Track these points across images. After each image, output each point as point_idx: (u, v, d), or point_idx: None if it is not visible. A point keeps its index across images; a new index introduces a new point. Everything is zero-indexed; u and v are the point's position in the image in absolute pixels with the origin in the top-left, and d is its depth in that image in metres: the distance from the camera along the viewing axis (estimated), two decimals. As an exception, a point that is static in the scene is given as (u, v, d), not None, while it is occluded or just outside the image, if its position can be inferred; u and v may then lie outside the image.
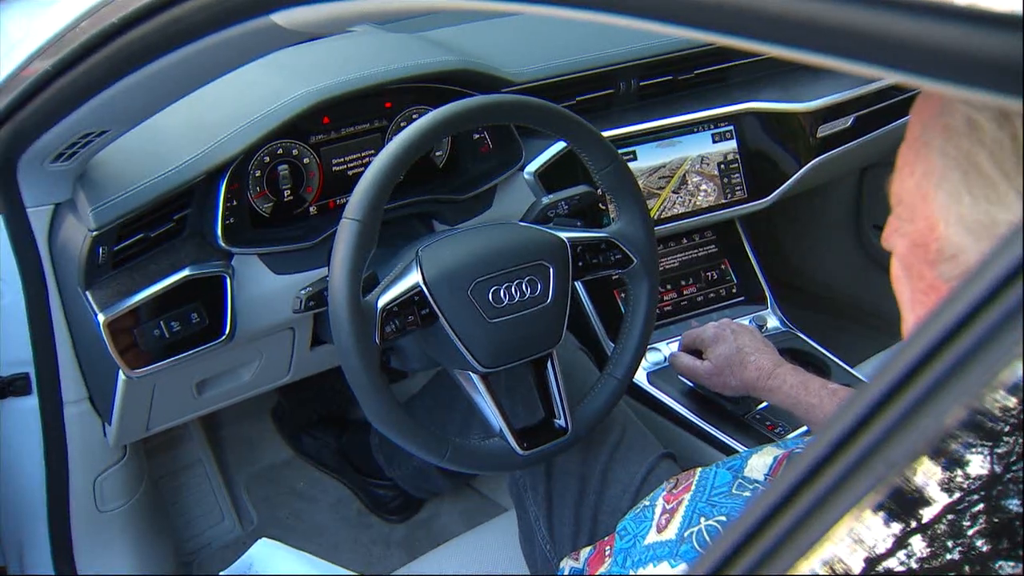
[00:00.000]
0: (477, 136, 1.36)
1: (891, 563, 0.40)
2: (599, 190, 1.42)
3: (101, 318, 1.06)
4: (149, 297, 1.09)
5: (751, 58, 1.61)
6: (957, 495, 0.39)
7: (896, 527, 0.40)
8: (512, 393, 1.19)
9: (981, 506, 0.39)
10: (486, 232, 1.10)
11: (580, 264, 1.12)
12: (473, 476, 1.73)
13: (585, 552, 1.00)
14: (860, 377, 1.43)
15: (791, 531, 0.42)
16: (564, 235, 1.11)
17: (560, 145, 1.40)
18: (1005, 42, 0.35)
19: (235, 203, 1.18)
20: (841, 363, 1.48)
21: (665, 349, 1.48)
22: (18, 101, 0.91)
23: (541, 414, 1.11)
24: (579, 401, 1.13)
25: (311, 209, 1.29)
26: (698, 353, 1.33)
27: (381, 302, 0.99)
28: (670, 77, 1.55)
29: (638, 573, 0.80)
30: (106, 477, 1.41)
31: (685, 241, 1.62)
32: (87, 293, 1.08)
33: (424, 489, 1.74)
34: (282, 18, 0.64)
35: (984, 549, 0.39)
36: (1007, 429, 0.38)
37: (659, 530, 0.83)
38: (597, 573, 0.94)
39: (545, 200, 1.25)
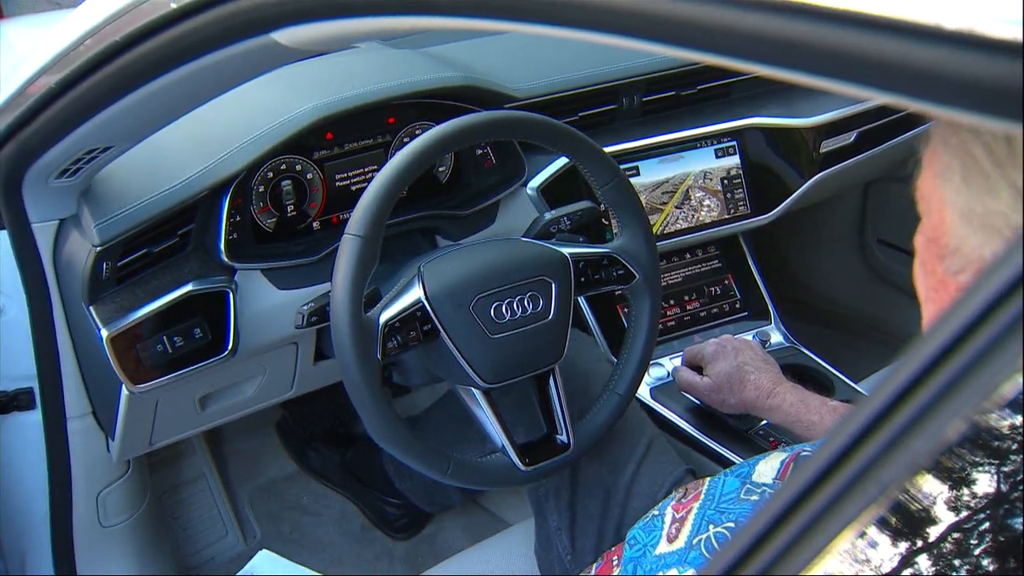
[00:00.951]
0: (480, 152, 1.37)
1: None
2: (601, 206, 1.43)
3: (104, 333, 1.07)
4: (152, 312, 1.09)
5: (753, 74, 1.61)
6: (964, 513, 0.39)
7: (901, 545, 0.40)
8: (514, 408, 1.19)
9: (987, 524, 0.39)
10: (488, 248, 1.10)
11: (582, 280, 1.12)
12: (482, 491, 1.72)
13: (592, 568, 0.99)
14: (864, 392, 1.42)
15: (791, 544, 0.42)
16: (566, 251, 1.11)
17: (563, 161, 1.40)
18: (1005, 68, 0.35)
19: (238, 218, 1.18)
20: (845, 379, 1.48)
21: (668, 364, 1.48)
22: (23, 118, 0.92)
23: (543, 429, 1.11)
24: (581, 417, 1.12)
25: (314, 224, 1.29)
26: (700, 369, 1.33)
27: (383, 318, 0.99)
28: (673, 92, 1.56)
29: None
30: (109, 492, 1.41)
31: (688, 256, 1.62)
32: (91, 308, 1.09)
33: (435, 502, 1.74)
34: (283, 36, 0.64)
35: (990, 568, 0.39)
36: (1013, 446, 0.37)
37: (670, 540, 0.83)
38: None
39: (547, 216, 1.26)
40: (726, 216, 1.55)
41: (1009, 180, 0.47)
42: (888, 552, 0.40)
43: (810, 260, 2.20)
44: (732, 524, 0.78)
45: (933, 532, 0.40)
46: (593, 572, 0.98)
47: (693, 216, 1.52)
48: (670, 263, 1.60)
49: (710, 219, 1.54)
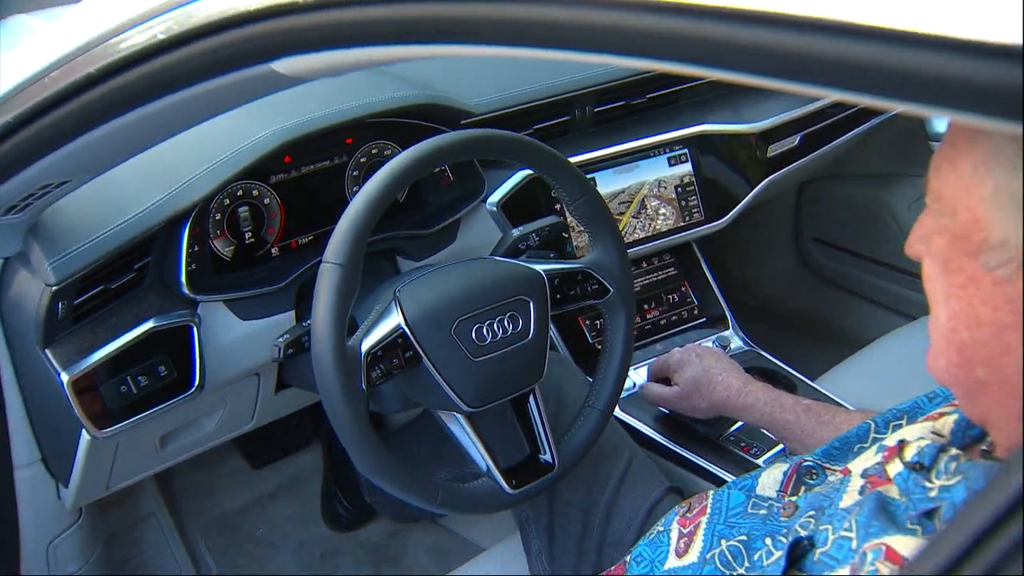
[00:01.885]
0: (438, 169, 1.34)
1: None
2: (568, 220, 1.42)
3: (65, 377, 1.01)
4: (114, 352, 1.04)
5: (701, 80, 1.63)
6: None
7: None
8: (492, 430, 1.17)
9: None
10: (463, 268, 1.08)
11: (558, 296, 1.10)
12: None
13: None
14: (823, 391, 1.45)
15: None
16: (540, 268, 1.10)
17: (521, 175, 1.39)
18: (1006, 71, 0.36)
19: (196, 248, 1.14)
20: (803, 378, 1.50)
21: (633, 375, 1.48)
22: (-28, 154, 0.86)
23: (525, 450, 1.10)
24: (562, 435, 1.11)
25: (273, 251, 1.25)
26: (667, 381, 1.33)
27: (364, 346, 0.96)
28: (623, 102, 1.56)
29: None
30: (60, 541, 1.34)
31: (645, 265, 1.62)
32: (47, 352, 1.02)
33: (407, 515, 1.71)
34: (283, 66, 0.61)
35: None
36: None
37: (679, 555, 0.82)
38: None
39: (515, 233, 1.24)
40: (681, 224, 1.56)
41: None
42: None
43: (752, 263, 2.24)
44: (744, 537, 0.78)
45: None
46: None
47: (650, 225, 1.53)
48: (628, 272, 1.60)
49: (666, 227, 1.55)
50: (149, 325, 1.06)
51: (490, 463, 1.04)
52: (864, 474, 0.74)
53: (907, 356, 1.20)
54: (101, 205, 1.06)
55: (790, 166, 1.69)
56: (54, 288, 1.00)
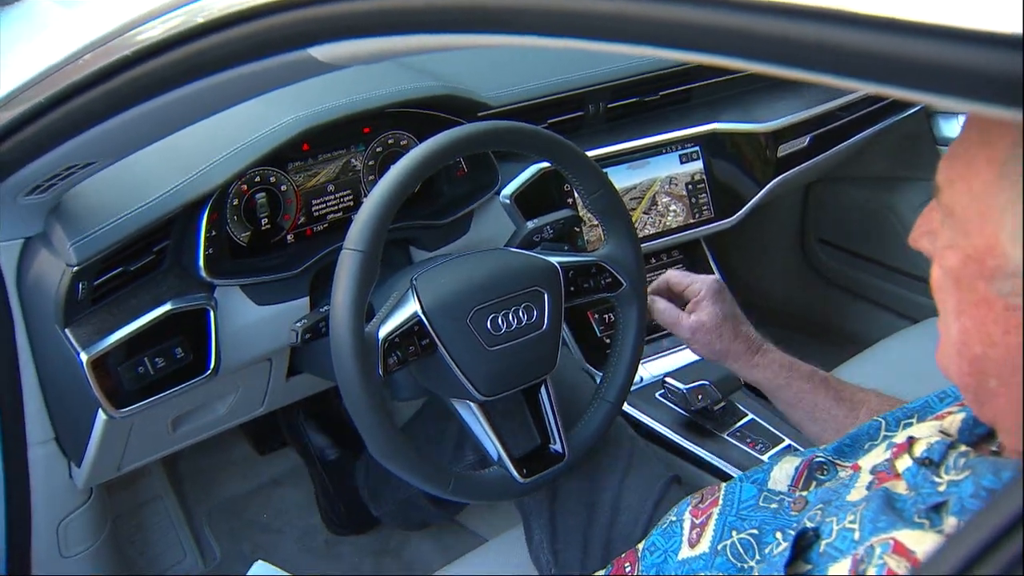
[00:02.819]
0: (454, 161, 1.35)
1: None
2: (580, 213, 1.43)
3: (84, 357, 1.02)
4: (132, 333, 1.05)
5: (713, 79, 1.64)
6: None
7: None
8: (507, 420, 1.18)
9: None
10: (479, 258, 1.09)
11: (571, 289, 1.11)
12: (460, 508, 1.69)
13: (600, 574, 0.99)
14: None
15: None
16: (555, 260, 1.11)
17: (535, 168, 1.40)
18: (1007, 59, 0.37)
19: (214, 233, 1.15)
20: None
21: (641, 370, 1.48)
22: (1, 134, 0.87)
23: (536, 440, 1.11)
24: (573, 426, 1.12)
25: (288, 238, 1.26)
26: (677, 303, 1.18)
27: (382, 333, 0.97)
28: (636, 99, 1.57)
29: None
30: (71, 520, 1.35)
31: (654, 261, 1.63)
32: (67, 331, 1.04)
33: (413, 522, 1.71)
34: (320, 52, 0.62)
35: None
36: None
37: (691, 545, 0.83)
38: None
39: (530, 225, 1.25)
40: (692, 221, 1.57)
41: None
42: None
43: (757, 263, 2.25)
44: (755, 531, 0.79)
45: None
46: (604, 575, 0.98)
47: (660, 221, 1.54)
48: (637, 268, 1.61)
49: (676, 224, 1.56)
50: (167, 307, 1.07)
51: (502, 452, 1.05)
52: (873, 470, 0.75)
53: (911, 359, 1.19)
54: (122, 188, 1.07)
55: (799, 166, 1.70)
56: (75, 268, 1.01)
